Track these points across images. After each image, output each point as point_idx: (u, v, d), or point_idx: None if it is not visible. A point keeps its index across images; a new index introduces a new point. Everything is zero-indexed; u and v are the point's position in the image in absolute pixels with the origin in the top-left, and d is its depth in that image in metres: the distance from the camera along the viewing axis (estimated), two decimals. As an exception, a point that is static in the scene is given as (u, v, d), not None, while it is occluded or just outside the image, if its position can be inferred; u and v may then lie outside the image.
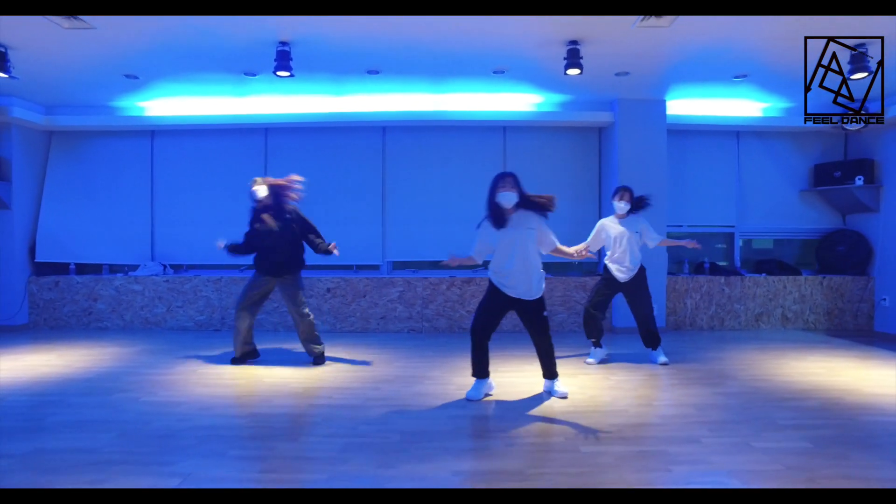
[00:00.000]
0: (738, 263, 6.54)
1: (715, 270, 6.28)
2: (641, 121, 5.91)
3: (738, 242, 6.57)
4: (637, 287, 4.43)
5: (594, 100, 6.03)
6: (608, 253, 4.47)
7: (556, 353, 3.66)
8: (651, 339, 4.50)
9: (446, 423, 3.09)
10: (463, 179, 6.28)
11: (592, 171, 6.45)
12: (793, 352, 4.98)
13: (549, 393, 3.63)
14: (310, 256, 4.59)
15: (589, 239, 4.50)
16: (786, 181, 6.57)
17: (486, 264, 3.66)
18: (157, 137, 6.48)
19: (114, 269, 6.50)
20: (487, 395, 3.59)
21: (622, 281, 4.41)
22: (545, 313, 3.54)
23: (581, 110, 6.07)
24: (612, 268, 4.44)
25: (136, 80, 5.20)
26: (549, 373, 3.63)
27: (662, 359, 4.46)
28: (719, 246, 6.76)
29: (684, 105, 6.08)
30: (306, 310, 4.42)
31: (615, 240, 4.40)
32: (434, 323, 6.06)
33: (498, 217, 3.39)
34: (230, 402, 3.47)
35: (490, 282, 3.54)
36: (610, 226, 4.46)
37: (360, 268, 6.53)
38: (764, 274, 6.28)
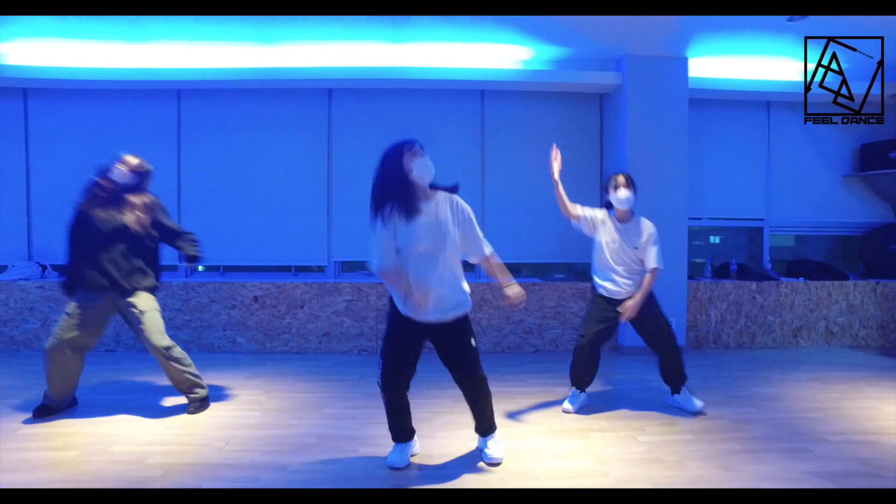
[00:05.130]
0: (767, 265, 5.34)
1: (743, 274, 5.06)
2: (657, 83, 4.62)
3: (768, 239, 5.37)
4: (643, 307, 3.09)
5: (596, 56, 4.74)
6: (594, 263, 3.19)
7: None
8: (677, 377, 3.19)
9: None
10: (430, 156, 4.91)
11: (592, 147, 5.15)
12: (862, 382, 3.77)
13: (480, 451, 2.52)
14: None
15: (581, 210, 3.13)
16: (824, 163, 5.38)
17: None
18: (32, 98, 4.96)
19: (-28, 270, 4.99)
20: (413, 455, 2.50)
21: (618, 298, 3.10)
22: (473, 341, 2.36)
23: (580, 69, 4.77)
24: (601, 284, 3.15)
25: (-33, 6, 3.71)
26: (486, 426, 2.49)
27: (699, 404, 3.15)
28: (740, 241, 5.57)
29: (703, 65, 4.82)
30: (171, 345, 3.01)
31: (602, 245, 3.11)
32: (392, 340, 4.71)
33: (410, 202, 2.27)
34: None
35: (391, 304, 2.36)
36: (604, 225, 3.13)
37: (299, 269, 5.15)
38: (802, 278, 5.08)
